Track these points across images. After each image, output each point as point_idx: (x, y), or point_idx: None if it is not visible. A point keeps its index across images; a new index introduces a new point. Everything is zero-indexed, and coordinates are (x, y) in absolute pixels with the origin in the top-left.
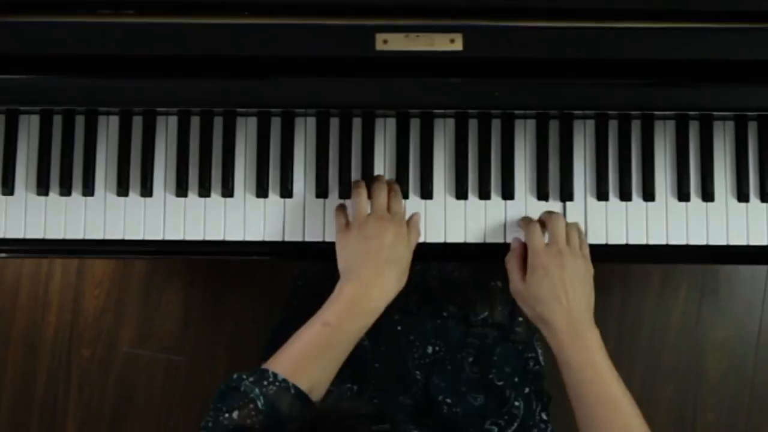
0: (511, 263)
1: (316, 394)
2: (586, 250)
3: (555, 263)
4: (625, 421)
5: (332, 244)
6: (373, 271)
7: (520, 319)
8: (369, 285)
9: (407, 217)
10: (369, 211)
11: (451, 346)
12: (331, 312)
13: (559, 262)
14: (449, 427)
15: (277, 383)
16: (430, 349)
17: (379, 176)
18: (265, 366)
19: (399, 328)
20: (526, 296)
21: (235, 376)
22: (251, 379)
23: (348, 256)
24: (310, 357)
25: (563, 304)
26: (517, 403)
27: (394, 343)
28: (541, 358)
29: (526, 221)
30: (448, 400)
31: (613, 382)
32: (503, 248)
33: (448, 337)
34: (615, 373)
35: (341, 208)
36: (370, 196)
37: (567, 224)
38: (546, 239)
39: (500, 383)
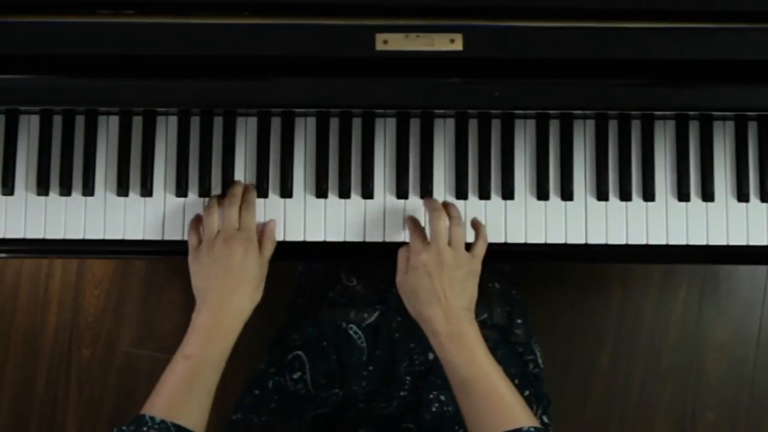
0: (402, 255)
1: (199, 423)
2: (480, 249)
3: (434, 263)
4: (511, 412)
5: (332, 243)
6: (221, 294)
7: (519, 320)
8: (219, 311)
9: (268, 220)
10: (218, 229)
11: None
12: (189, 345)
13: (439, 261)
14: (433, 428)
15: (156, 426)
16: (431, 356)
17: (233, 188)
18: (141, 412)
19: (397, 335)
20: (405, 290)
21: (114, 429)
22: (131, 428)
23: (197, 281)
24: (181, 392)
25: (442, 303)
26: None
27: (392, 348)
28: (540, 360)
29: (411, 219)
30: (442, 397)
31: (495, 376)
32: (502, 248)
33: None
34: (497, 366)
35: (195, 228)
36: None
37: (452, 221)
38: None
39: None
